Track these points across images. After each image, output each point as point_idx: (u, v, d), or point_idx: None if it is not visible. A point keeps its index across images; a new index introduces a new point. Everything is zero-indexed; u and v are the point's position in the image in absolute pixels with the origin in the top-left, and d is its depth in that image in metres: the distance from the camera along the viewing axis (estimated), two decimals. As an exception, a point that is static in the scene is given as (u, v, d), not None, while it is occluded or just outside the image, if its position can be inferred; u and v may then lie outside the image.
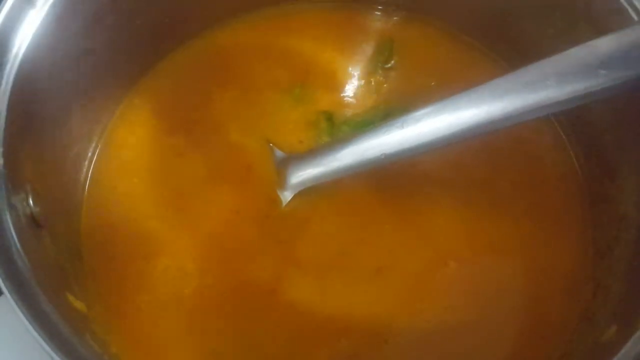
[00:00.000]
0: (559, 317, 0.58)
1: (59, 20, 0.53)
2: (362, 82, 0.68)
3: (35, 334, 0.42)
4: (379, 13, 0.71)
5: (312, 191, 0.60)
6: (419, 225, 0.61)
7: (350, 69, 0.68)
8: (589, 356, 0.53)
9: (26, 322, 0.42)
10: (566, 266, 0.60)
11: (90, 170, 0.63)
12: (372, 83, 0.67)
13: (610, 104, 0.57)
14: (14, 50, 0.50)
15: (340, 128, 0.65)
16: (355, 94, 0.67)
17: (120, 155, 0.64)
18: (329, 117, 0.65)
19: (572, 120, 0.64)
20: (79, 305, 0.53)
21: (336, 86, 0.67)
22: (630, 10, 0.53)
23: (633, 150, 0.56)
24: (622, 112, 0.57)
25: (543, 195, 0.63)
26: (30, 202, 0.50)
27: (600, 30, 0.53)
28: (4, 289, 0.43)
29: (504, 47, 0.67)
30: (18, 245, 0.46)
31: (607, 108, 0.58)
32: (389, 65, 0.68)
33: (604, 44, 0.46)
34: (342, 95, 0.67)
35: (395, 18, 0.71)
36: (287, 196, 0.61)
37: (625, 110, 0.56)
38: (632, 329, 0.45)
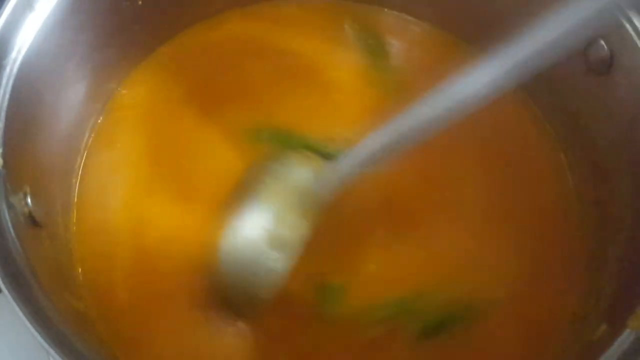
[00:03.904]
0: (551, 318, 0.58)
1: (58, 25, 0.54)
2: None
3: (33, 330, 0.42)
4: (373, 12, 0.71)
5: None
6: (419, 232, 0.61)
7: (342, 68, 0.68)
8: (580, 357, 0.53)
9: (24, 319, 0.43)
10: (558, 269, 0.60)
11: (80, 172, 0.63)
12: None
13: (604, 109, 0.58)
14: (14, 53, 0.51)
15: None
16: None
17: (111, 157, 0.64)
18: None
19: (565, 125, 0.64)
20: (78, 305, 0.54)
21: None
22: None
23: (625, 153, 0.57)
24: (615, 117, 0.57)
25: (534, 199, 0.63)
26: (29, 202, 0.50)
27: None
28: (3, 287, 0.44)
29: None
30: (17, 243, 0.47)
31: (600, 113, 0.59)
32: (382, 64, 0.68)
33: None
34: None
35: (389, 18, 0.71)
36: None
37: (619, 116, 0.57)
38: (621, 326, 0.46)
